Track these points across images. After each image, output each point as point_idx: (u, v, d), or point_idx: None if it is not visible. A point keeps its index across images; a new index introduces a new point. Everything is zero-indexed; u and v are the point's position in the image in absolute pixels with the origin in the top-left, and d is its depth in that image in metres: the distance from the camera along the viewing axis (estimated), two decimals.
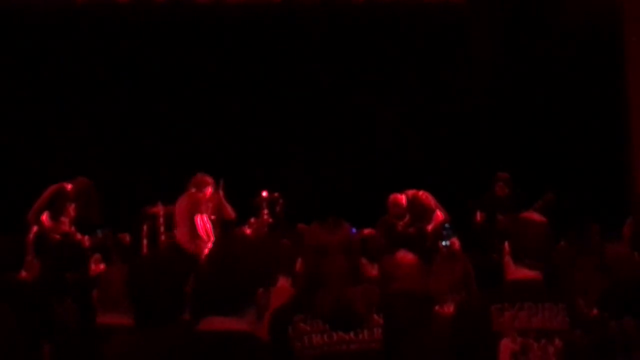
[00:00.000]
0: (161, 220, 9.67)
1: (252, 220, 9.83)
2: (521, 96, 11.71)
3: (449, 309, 4.08)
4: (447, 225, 9.73)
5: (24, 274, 5.23)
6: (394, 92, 11.74)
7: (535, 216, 3.45)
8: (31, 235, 8.31)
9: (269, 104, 11.68)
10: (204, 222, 9.24)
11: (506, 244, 3.36)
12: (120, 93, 11.32)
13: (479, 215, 10.34)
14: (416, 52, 11.69)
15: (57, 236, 8.29)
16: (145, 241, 9.53)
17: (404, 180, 10.15)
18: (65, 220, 8.52)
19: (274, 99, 11.68)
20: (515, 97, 11.72)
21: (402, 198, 9.80)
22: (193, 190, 9.33)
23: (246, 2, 11.24)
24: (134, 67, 11.34)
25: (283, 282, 4.54)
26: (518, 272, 3.30)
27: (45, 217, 8.40)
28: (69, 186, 8.57)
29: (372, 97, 11.78)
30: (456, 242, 9.39)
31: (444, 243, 9.36)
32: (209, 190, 9.44)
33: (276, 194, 9.99)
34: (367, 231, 8.85)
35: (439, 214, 9.63)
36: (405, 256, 4.65)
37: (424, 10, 11.59)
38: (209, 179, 9.51)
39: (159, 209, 9.71)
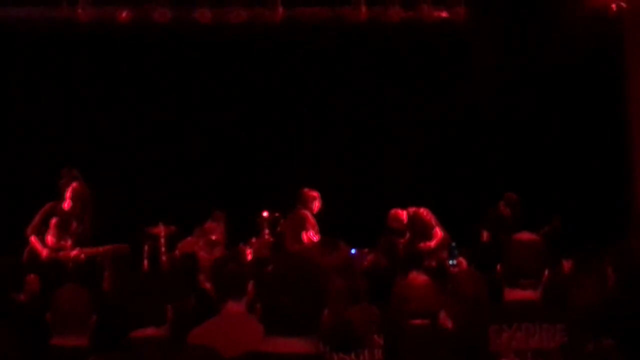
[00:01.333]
0: (162, 240, 9.67)
1: (253, 240, 9.82)
2: (524, 112, 11.72)
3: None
4: (453, 244, 9.69)
5: (22, 295, 5.21)
6: (397, 111, 11.76)
7: (527, 235, 3.43)
8: (27, 251, 8.36)
9: (270, 124, 11.69)
10: (310, 238, 9.28)
11: (498, 265, 3.35)
12: (122, 112, 11.34)
13: (484, 235, 10.28)
14: (418, 71, 11.70)
15: (51, 254, 8.33)
16: (146, 261, 9.51)
17: (407, 199, 10.14)
18: (65, 238, 8.60)
19: (275, 119, 11.69)
20: (518, 113, 11.73)
21: (403, 214, 9.79)
22: (299, 207, 9.39)
23: (247, 22, 11.26)
24: (135, 87, 11.36)
25: (236, 307, 4.36)
26: (515, 293, 3.29)
27: (42, 235, 8.47)
28: (65, 204, 8.65)
29: (374, 116, 11.80)
30: (463, 261, 9.32)
31: (450, 262, 9.30)
32: (316, 204, 9.50)
33: (277, 214, 9.98)
34: (367, 251, 8.85)
35: (439, 231, 9.62)
36: (418, 277, 4.64)
37: (425, 28, 11.61)
38: (314, 193, 9.56)
39: (160, 230, 9.71)
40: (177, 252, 9.54)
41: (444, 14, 11.56)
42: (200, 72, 11.53)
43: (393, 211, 9.88)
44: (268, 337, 2.52)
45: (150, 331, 3.27)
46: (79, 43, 11.19)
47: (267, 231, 9.87)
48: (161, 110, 11.48)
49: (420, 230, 9.71)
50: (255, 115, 11.71)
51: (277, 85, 11.66)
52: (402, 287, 4.63)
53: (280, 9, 11.23)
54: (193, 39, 11.36)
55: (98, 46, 11.20)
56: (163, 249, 9.59)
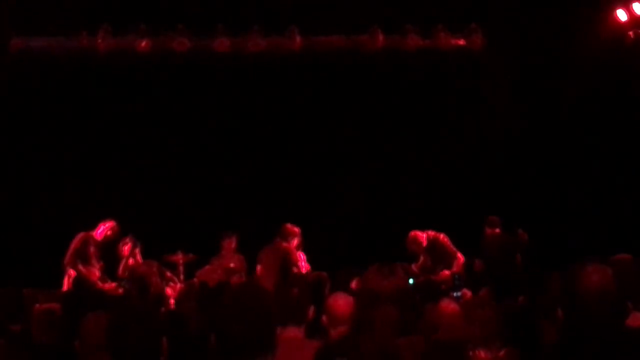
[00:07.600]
0: (181, 268, 9.69)
1: None
2: (540, 141, 11.68)
3: (482, 354, 4.05)
4: (456, 276, 9.51)
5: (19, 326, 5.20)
6: (413, 138, 11.76)
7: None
8: (68, 280, 8.44)
9: (288, 151, 11.72)
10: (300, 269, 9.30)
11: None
12: (141, 140, 11.40)
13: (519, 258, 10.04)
14: (435, 99, 11.71)
15: (96, 283, 8.45)
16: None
17: (421, 226, 10.11)
18: (95, 267, 8.76)
19: (293, 147, 11.72)
20: (533, 142, 11.70)
21: (422, 237, 9.75)
22: (279, 240, 9.35)
23: (265, 51, 11.33)
24: (154, 116, 11.43)
25: (295, 332, 4.30)
26: None
27: (80, 264, 8.62)
28: (96, 233, 8.98)
29: (389, 144, 11.80)
30: (468, 293, 9.07)
31: (455, 294, 8.97)
32: (295, 241, 9.46)
33: None
34: None
35: (460, 256, 9.57)
36: (449, 305, 4.61)
37: (442, 57, 11.63)
38: (296, 229, 9.52)
39: (179, 257, 9.74)
40: (195, 280, 9.55)
41: (461, 42, 11.59)
42: (218, 101, 11.59)
43: (412, 233, 9.85)
44: None
45: None
46: (99, 73, 11.29)
47: None
48: (180, 139, 11.55)
49: (439, 255, 9.67)
50: (273, 142, 11.75)
51: (295, 113, 11.70)
52: (433, 314, 4.59)
53: (298, 38, 11.32)
54: (212, 68, 11.43)
55: (118, 75, 11.30)
56: (181, 277, 9.61)
